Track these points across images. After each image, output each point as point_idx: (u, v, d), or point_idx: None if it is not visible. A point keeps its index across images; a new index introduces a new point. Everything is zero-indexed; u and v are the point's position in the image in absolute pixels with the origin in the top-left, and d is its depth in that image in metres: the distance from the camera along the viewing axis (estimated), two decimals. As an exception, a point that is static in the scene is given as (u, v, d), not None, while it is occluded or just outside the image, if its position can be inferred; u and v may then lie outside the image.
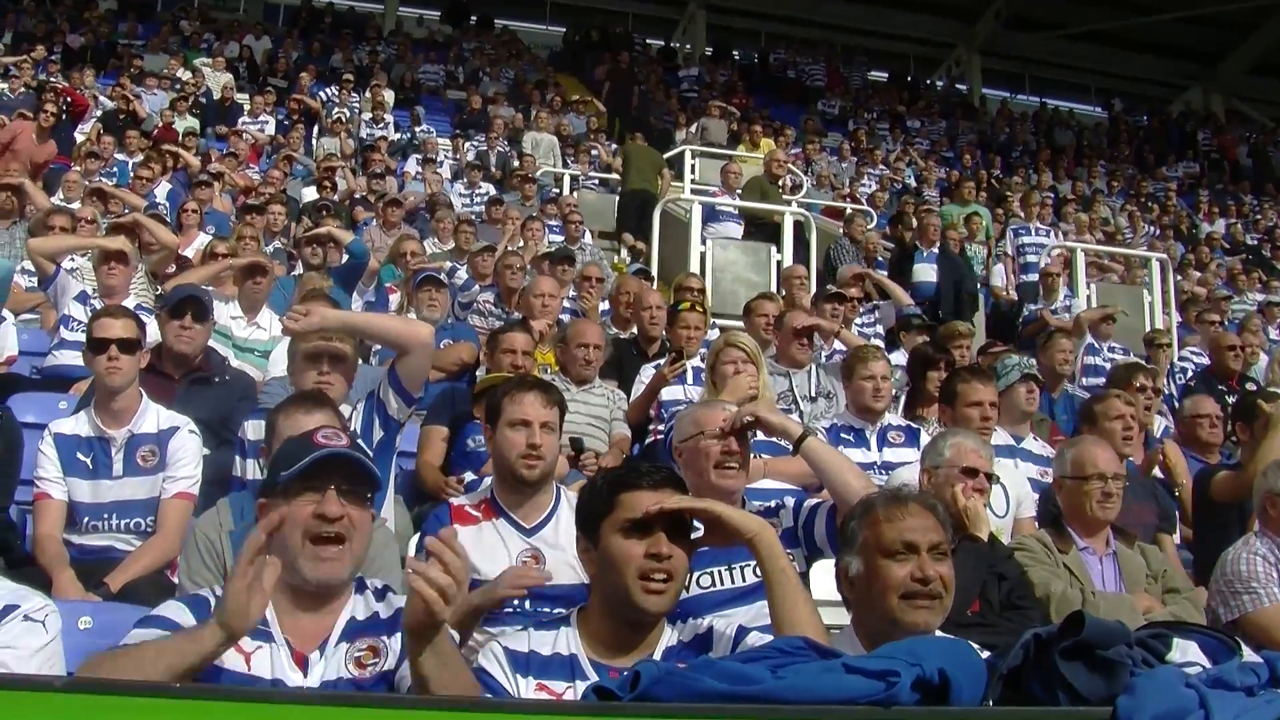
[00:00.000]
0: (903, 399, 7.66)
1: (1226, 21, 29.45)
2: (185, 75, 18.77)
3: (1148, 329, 12.22)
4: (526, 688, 2.97)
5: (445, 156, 17.23)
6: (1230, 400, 8.84)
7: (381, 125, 18.15)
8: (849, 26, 29.38)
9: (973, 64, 30.73)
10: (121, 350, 5.23)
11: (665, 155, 16.43)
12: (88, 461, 5.10)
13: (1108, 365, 9.53)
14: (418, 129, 18.40)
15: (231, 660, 2.83)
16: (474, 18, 26.86)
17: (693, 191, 15.16)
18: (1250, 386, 9.54)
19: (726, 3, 29.25)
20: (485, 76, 22.12)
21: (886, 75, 28.56)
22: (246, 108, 17.87)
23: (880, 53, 29.79)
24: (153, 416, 5.26)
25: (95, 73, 17.95)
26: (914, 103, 26.35)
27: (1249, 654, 2.48)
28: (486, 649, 3.08)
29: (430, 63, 23.20)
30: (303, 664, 2.91)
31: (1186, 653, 2.47)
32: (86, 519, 5.07)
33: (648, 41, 27.71)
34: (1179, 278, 15.42)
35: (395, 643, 2.97)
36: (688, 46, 28.55)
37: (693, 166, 16.83)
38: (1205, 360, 10.61)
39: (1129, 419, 6.36)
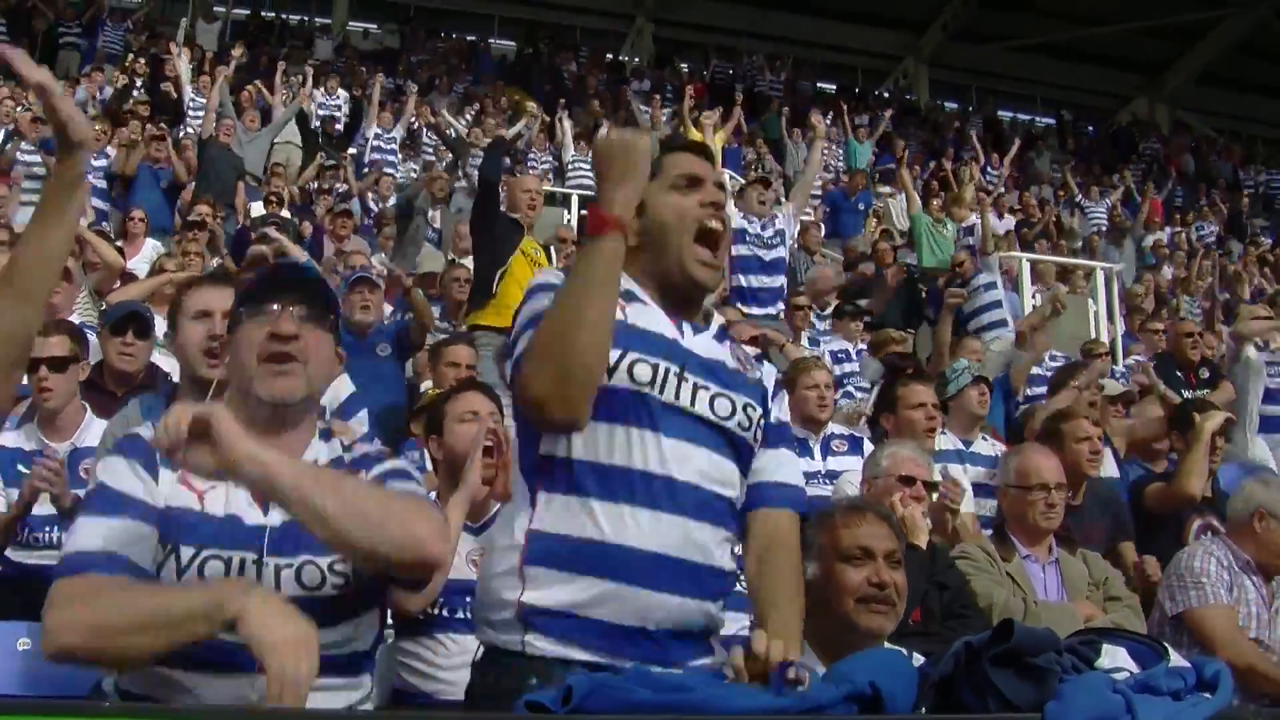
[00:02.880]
0: (870, 403, 7.70)
1: (1171, 33, 29.77)
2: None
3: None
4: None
5: (395, 168, 17.13)
6: (1184, 392, 8.99)
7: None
8: (795, 39, 29.46)
9: (920, 75, 30.91)
10: (53, 369, 5.15)
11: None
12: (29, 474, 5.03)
13: (1049, 375, 9.57)
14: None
15: (183, 499, 2.71)
16: (423, 31, 26.77)
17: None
18: (1205, 374, 9.61)
19: (673, 16, 29.34)
20: (435, 89, 22.02)
21: (835, 87, 28.60)
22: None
23: (827, 65, 29.88)
24: (97, 430, 5.11)
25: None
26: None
27: (1176, 658, 2.51)
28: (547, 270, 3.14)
29: (381, 73, 23.14)
30: (262, 500, 2.71)
31: (1115, 658, 2.49)
32: (27, 530, 5.00)
33: (598, 55, 27.66)
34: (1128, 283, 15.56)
35: None
36: (635, 60, 28.56)
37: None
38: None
39: (1096, 440, 6.34)
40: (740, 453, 2.94)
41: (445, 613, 4.22)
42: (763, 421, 3.01)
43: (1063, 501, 5.17)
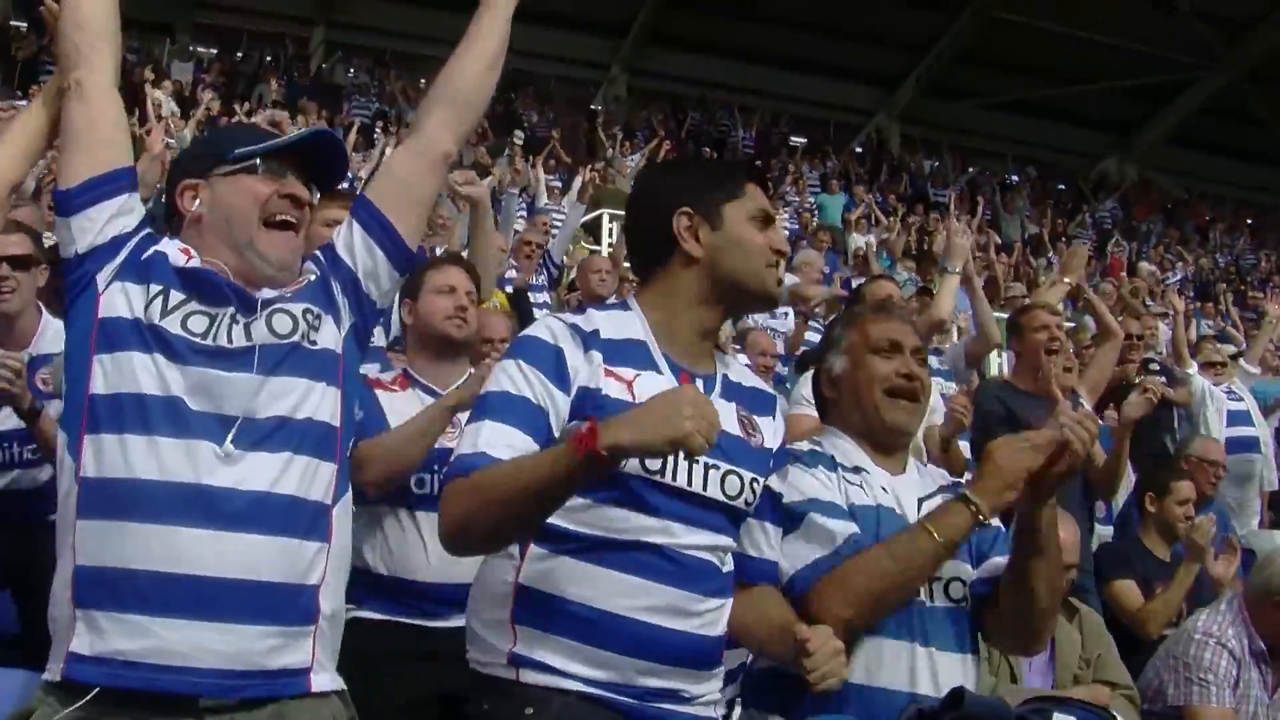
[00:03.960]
0: None
1: (1143, 94, 30.04)
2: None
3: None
4: (591, 365, 2.77)
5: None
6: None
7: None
8: (769, 92, 29.57)
9: (892, 131, 31.05)
10: (15, 268, 4.80)
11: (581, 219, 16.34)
12: None
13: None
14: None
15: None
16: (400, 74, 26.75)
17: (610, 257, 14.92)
18: (1154, 367, 9.73)
19: (648, 66, 29.47)
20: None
21: (805, 140, 28.64)
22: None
23: (799, 118, 29.97)
24: (54, 334, 4.74)
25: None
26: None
27: (1127, 729, 2.47)
28: (542, 322, 2.88)
29: (361, 96, 23.26)
30: None
31: (1066, 728, 2.45)
32: None
33: (572, 103, 27.73)
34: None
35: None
36: (609, 109, 28.60)
37: (610, 230, 16.55)
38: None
39: (1054, 329, 6.45)
40: (738, 524, 2.95)
41: (414, 486, 4.10)
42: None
43: (1070, 582, 5.08)
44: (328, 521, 2.73)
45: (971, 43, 28.72)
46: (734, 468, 2.85)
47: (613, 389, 2.72)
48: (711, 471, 2.80)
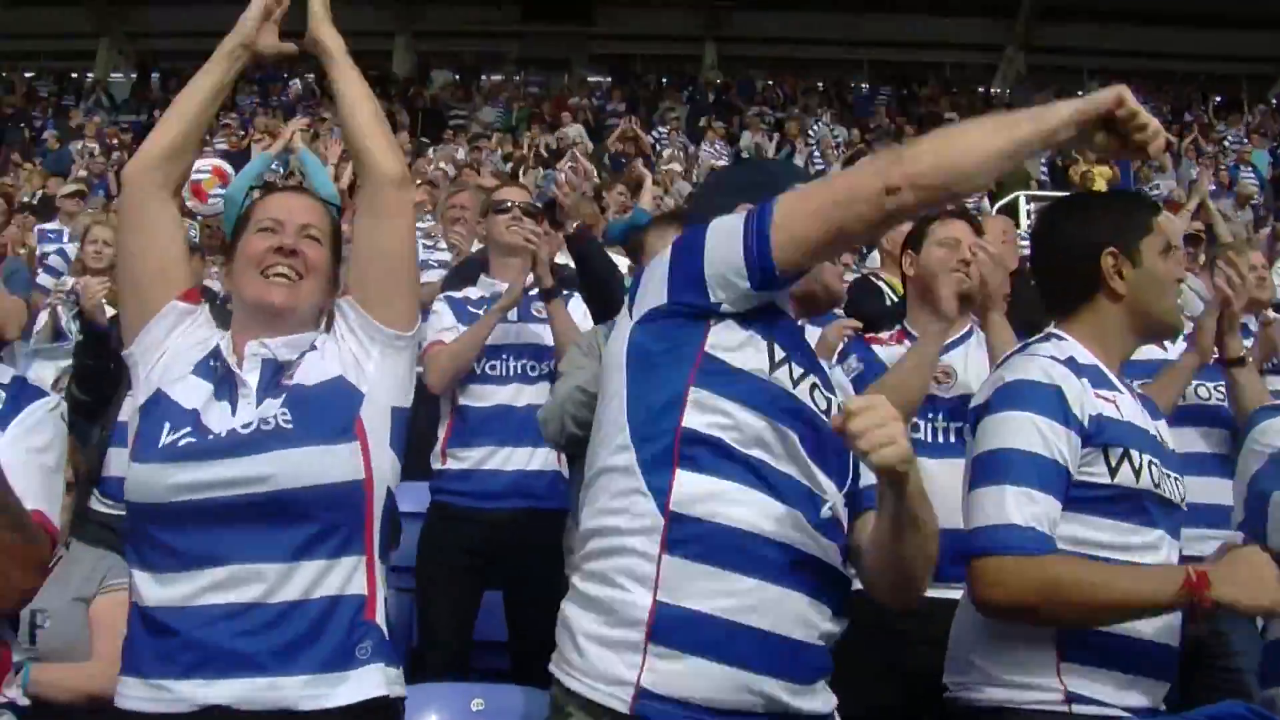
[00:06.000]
0: None
1: None
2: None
3: None
4: (1086, 392, 2.91)
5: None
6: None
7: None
8: (1170, 52, 28.37)
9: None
10: (525, 213, 5.27)
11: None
12: (480, 313, 5.16)
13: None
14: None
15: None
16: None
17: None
18: None
19: (1043, 42, 28.75)
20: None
21: (1221, 99, 27.16)
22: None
23: (1211, 76, 28.57)
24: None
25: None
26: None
27: None
28: (1033, 364, 2.97)
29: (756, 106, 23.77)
30: None
31: None
32: (484, 360, 5.09)
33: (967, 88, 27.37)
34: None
35: None
36: (1008, 88, 28.04)
37: (1028, 212, 16.22)
38: None
39: (1261, 270, 5.91)
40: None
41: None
42: None
43: None
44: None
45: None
46: (1180, 476, 3.02)
47: (1105, 409, 2.89)
48: (1177, 483, 2.98)
